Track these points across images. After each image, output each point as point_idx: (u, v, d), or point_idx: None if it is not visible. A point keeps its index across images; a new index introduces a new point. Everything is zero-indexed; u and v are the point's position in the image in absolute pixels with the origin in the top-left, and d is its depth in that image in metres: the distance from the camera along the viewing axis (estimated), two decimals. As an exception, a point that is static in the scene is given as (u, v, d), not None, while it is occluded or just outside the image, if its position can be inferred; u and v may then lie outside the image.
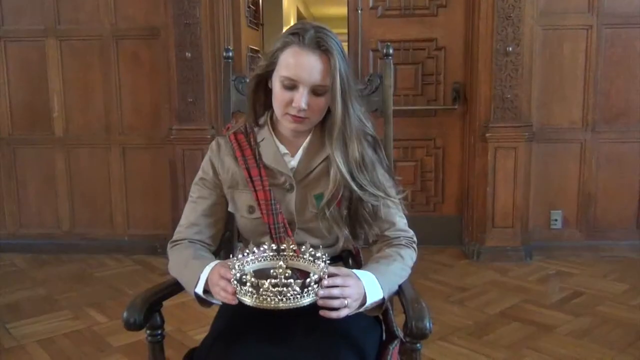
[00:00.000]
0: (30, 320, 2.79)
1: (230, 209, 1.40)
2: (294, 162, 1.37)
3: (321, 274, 1.11)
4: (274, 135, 1.38)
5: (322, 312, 1.12)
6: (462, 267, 3.52)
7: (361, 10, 3.70)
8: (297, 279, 1.08)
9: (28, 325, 2.73)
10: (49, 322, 2.78)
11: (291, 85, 1.25)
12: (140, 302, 1.24)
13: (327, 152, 1.32)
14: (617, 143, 3.60)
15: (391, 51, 1.62)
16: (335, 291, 1.12)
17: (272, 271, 1.09)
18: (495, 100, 3.46)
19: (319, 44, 1.24)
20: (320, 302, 1.10)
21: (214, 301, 1.26)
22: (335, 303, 1.11)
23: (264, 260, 1.19)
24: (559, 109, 3.59)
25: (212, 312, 1.45)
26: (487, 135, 3.47)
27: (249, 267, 1.15)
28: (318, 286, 1.10)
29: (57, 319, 2.81)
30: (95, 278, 3.42)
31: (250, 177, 1.33)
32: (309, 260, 1.16)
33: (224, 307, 1.44)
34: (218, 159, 1.40)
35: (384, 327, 1.41)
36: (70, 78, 3.74)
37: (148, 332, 1.29)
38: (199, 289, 1.24)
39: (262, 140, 1.38)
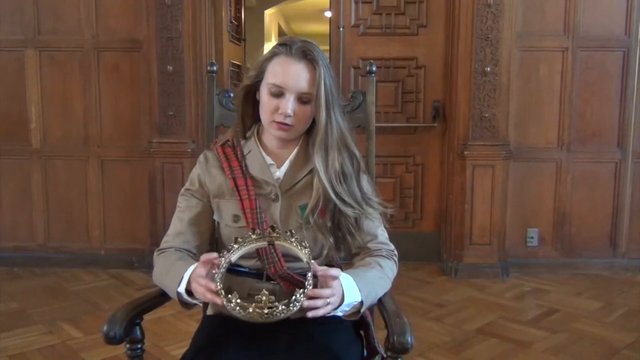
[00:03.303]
0: (2, 335, 2.72)
1: (215, 217, 1.40)
2: (279, 173, 1.38)
3: (308, 274, 1.13)
4: (260, 147, 1.40)
5: (308, 314, 1.13)
6: (440, 284, 3.54)
7: (343, 28, 3.74)
8: (282, 292, 1.09)
9: (0, 340, 2.66)
10: (22, 337, 2.71)
11: (278, 93, 1.30)
12: (120, 315, 1.22)
13: (312, 165, 1.34)
14: (591, 163, 3.69)
15: (374, 68, 1.64)
16: (319, 302, 1.13)
17: (256, 297, 1.10)
18: (473, 119, 3.52)
19: (306, 53, 1.29)
20: (306, 304, 1.12)
21: (196, 302, 1.26)
22: (318, 303, 1.13)
23: (248, 243, 1.20)
24: (536, 128, 3.66)
25: (190, 327, 1.45)
26: (466, 153, 3.52)
27: (235, 256, 1.16)
28: (302, 296, 1.11)
29: (30, 333, 2.75)
30: (70, 292, 3.36)
31: (237, 186, 1.34)
32: (294, 243, 1.18)
33: (205, 321, 1.44)
34: (206, 171, 1.41)
35: (365, 343, 1.41)
36: (49, 89, 3.70)
37: (127, 346, 1.27)
38: (182, 288, 1.23)
39: (248, 153, 1.39)
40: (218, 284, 1.12)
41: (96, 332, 2.66)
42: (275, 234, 1.22)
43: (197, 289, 1.17)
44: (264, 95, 1.33)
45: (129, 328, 1.23)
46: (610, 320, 2.96)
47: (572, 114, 3.64)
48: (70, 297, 3.28)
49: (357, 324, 1.40)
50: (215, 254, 1.18)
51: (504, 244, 3.66)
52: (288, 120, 1.30)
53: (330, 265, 1.44)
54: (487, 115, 3.51)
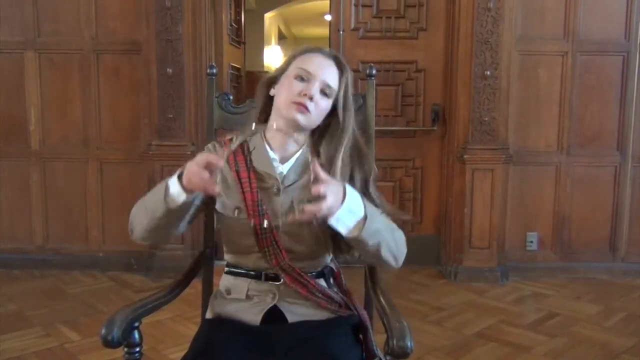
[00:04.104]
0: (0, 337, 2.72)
1: (217, 206, 1.40)
2: (282, 168, 1.39)
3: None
4: (265, 143, 1.42)
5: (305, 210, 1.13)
6: (439, 287, 3.53)
7: (343, 31, 3.74)
8: None
9: (-3, 343, 2.66)
10: (20, 339, 2.70)
11: (305, 77, 1.34)
12: (119, 318, 1.21)
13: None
14: (591, 167, 3.68)
15: (374, 72, 1.65)
16: (308, 213, 1.13)
17: None
18: (473, 123, 3.52)
19: (337, 58, 1.40)
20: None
21: (184, 197, 1.19)
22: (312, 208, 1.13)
23: (243, 132, 1.30)
24: (535, 132, 3.66)
25: (189, 330, 1.44)
26: (465, 156, 3.52)
27: (235, 144, 1.30)
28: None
29: (27, 336, 2.74)
30: (69, 294, 3.35)
31: (240, 178, 1.36)
32: None
33: (204, 325, 1.44)
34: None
35: (363, 346, 1.41)
36: (49, 91, 3.70)
37: (126, 349, 1.26)
38: (174, 179, 1.19)
39: (254, 149, 1.41)
40: (218, 184, 1.19)
41: (94, 335, 2.65)
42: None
43: (192, 178, 1.14)
44: (287, 80, 1.37)
45: (127, 331, 1.22)
46: (610, 324, 2.96)
47: (571, 117, 3.64)
48: (69, 299, 3.28)
49: (356, 328, 1.40)
50: (213, 155, 1.16)
51: (503, 248, 3.66)
52: (309, 104, 1.33)
53: (329, 267, 1.45)
54: (486, 118, 3.51)
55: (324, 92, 1.35)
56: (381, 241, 1.24)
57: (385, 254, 1.26)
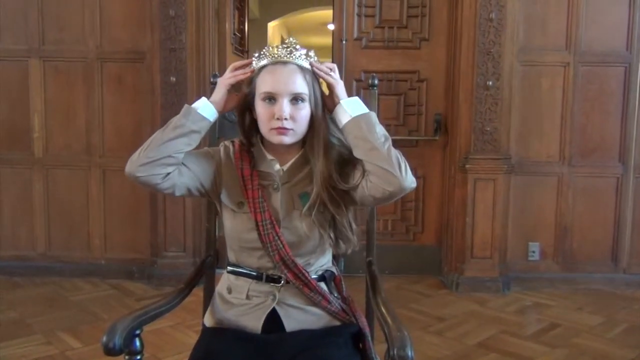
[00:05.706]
0: (0, 344, 2.71)
1: (222, 197, 1.42)
2: (281, 167, 1.42)
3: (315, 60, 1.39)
4: (263, 149, 1.44)
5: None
6: (441, 297, 3.52)
7: (346, 41, 3.76)
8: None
9: (-2, 350, 2.66)
10: (20, 346, 2.70)
11: (271, 97, 1.33)
12: (120, 326, 1.21)
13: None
14: (593, 177, 3.68)
15: (376, 82, 1.66)
16: (324, 67, 1.36)
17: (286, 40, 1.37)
18: (475, 133, 3.53)
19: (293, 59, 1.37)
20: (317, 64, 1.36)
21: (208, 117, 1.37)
22: (323, 68, 1.36)
23: (271, 56, 1.36)
24: (537, 142, 3.67)
25: (190, 338, 1.44)
26: (467, 166, 3.52)
27: (262, 62, 1.37)
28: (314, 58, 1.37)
29: (29, 343, 2.74)
30: (70, 302, 3.35)
31: (243, 176, 1.39)
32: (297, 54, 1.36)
33: (205, 333, 1.44)
34: (228, 158, 1.45)
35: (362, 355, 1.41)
36: (53, 99, 3.72)
37: (127, 357, 1.27)
38: (201, 100, 1.39)
39: (256, 153, 1.44)
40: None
41: (95, 343, 2.65)
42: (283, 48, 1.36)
43: (227, 80, 1.38)
44: (259, 107, 1.36)
45: (128, 339, 1.22)
46: (612, 335, 2.94)
47: (573, 128, 3.65)
48: (70, 306, 3.28)
49: (356, 337, 1.40)
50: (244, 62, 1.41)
51: (505, 258, 3.65)
52: (286, 124, 1.32)
53: (330, 272, 1.45)
54: (488, 128, 3.51)
55: (296, 100, 1.33)
56: (387, 138, 1.31)
57: (392, 152, 1.28)
